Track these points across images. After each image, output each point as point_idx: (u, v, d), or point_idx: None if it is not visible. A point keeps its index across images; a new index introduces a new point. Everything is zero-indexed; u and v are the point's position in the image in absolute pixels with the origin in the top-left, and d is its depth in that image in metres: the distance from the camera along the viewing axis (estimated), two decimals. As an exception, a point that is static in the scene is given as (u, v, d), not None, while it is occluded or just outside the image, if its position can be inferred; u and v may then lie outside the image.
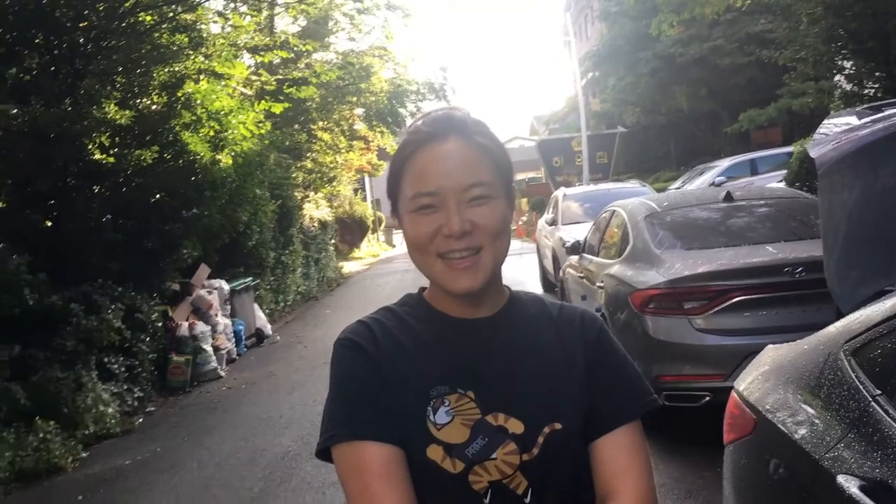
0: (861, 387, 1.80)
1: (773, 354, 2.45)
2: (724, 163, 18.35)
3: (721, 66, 22.22)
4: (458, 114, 1.31)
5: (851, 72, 10.57)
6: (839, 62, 10.68)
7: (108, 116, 7.90)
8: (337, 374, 1.30)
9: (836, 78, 11.29)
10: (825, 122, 3.08)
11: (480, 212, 1.23)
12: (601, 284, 6.19)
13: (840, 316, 2.27)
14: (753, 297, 4.87)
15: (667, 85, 24.42)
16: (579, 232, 9.16)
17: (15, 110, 7.04)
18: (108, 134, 8.17)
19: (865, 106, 3.66)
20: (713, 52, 22.13)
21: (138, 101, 8.61)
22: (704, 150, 25.85)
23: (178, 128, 8.89)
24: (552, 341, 1.33)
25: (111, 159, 8.21)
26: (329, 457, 1.27)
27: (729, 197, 6.14)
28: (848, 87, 10.72)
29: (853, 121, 2.83)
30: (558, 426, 1.25)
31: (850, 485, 1.58)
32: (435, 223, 1.23)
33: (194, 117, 9.08)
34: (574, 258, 7.92)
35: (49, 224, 7.79)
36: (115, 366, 7.98)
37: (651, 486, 1.28)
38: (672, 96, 24.70)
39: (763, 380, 2.32)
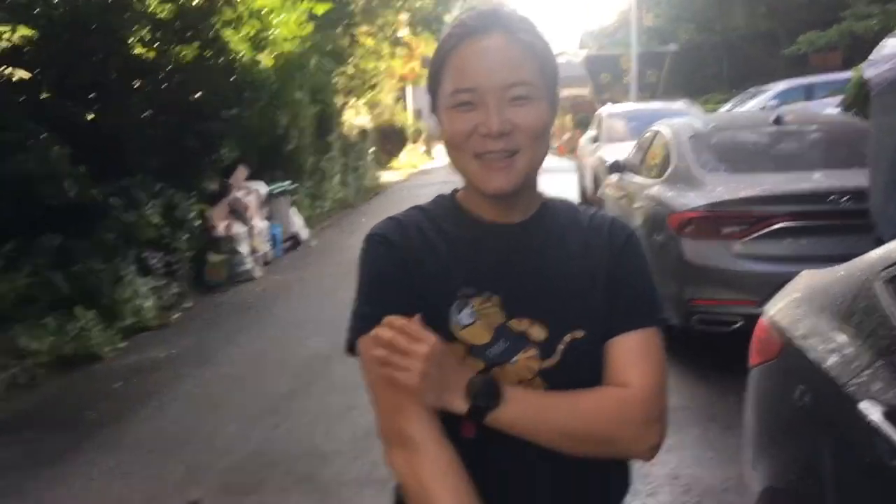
0: (893, 315, 1.74)
1: (807, 280, 2.39)
2: (779, 86, 17.72)
3: (783, -18, 21.24)
4: (504, 9, 1.24)
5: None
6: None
7: (150, 10, 7.85)
8: (365, 268, 1.31)
9: (905, -1, 10.71)
10: (883, 42, 2.92)
11: (521, 112, 1.18)
12: (640, 205, 6.10)
13: (880, 245, 2.19)
14: (795, 224, 4.75)
15: (725, 1, 23.45)
16: (621, 151, 8.98)
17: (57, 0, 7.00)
18: (149, 28, 8.13)
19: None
20: (776, -33, 21.13)
21: (180, -5, 8.50)
22: (758, 72, 24.95)
23: (219, 25, 8.79)
24: (580, 248, 1.31)
25: (152, 54, 8.19)
26: (355, 351, 1.29)
27: (779, 121, 5.93)
28: (917, 9, 10.17)
29: (915, 40, 2.68)
30: (580, 334, 1.24)
31: (873, 411, 1.55)
32: (472, 121, 1.19)
33: (236, 14, 8.97)
34: (614, 177, 7.79)
35: (90, 117, 7.83)
36: (154, 261, 8.15)
37: (661, 386, 1.25)
38: (729, 13, 23.76)
39: (794, 305, 2.27)
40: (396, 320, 1.16)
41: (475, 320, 1.23)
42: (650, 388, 1.23)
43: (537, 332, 1.23)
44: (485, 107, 1.18)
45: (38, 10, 6.81)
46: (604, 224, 1.34)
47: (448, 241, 1.29)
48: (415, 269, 1.26)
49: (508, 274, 1.26)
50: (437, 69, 1.25)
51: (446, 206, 1.36)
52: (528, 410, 1.18)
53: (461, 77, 1.20)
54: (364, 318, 1.25)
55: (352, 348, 1.29)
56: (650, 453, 1.25)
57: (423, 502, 1.16)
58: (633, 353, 1.25)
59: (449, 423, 1.19)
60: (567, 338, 1.23)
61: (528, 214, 1.31)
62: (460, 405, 1.17)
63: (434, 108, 1.29)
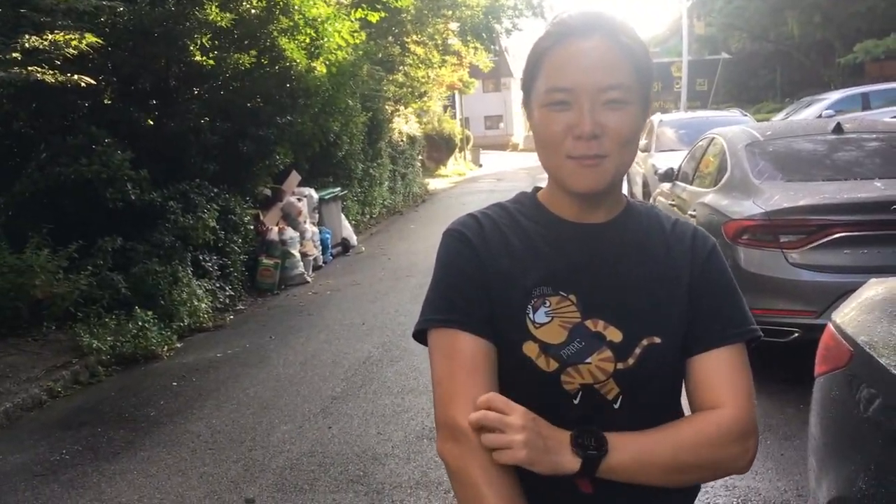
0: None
1: (877, 288, 2.35)
2: (834, 95, 17.39)
3: (839, -9, 20.86)
4: (606, 12, 1.24)
5: None
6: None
7: (209, 18, 8.01)
8: (441, 261, 1.32)
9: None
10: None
11: (614, 116, 1.18)
12: (693, 213, 6.04)
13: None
14: (855, 233, 4.67)
15: (778, 9, 23.14)
16: (673, 159, 8.91)
17: (121, 8, 7.20)
18: (208, 36, 8.31)
19: None
20: (832, -25, 20.78)
21: (238, 4, 8.66)
22: (813, 81, 24.56)
23: (275, 33, 8.95)
24: (661, 255, 1.30)
25: (211, 62, 8.37)
26: (424, 339, 1.30)
27: (838, 128, 5.83)
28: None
29: None
30: (657, 340, 1.23)
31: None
32: (565, 122, 1.19)
33: (291, 23, 9.12)
34: (666, 185, 7.73)
35: (151, 123, 8.04)
36: (209, 264, 8.33)
37: (752, 403, 1.25)
38: (783, 22, 23.42)
39: (864, 312, 2.24)
40: (493, 400, 1.14)
41: (551, 319, 1.23)
42: (744, 406, 1.23)
43: (612, 334, 1.23)
44: (579, 107, 1.18)
45: (103, 18, 7.02)
46: (687, 232, 1.34)
47: (527, 239, 1.30)
48: (491, 266, 1.27)
49: (587, 274, 1.27)
50: (533, 65, 1.25)
51: (527, 203, 1.37)
52: (635, 453, 1.18)
53: (558, 76, 1.20)
54: (436, 310, 1.27)
55: (420, 333, 1.30)
56: (748, 467, 1.26)
57: (470, 495, 1.16)
58: (723, 372, 1.25)
59: (563, 485, 1.18)
60: (644, 342, 1.23)
61: (611, 216, 1.31)
62: (572, 462, 1.15)
63: (526, 104, 1.29)
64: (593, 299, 1.25)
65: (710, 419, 1.23)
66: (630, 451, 1.18)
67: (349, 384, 5.71)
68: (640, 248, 1.30)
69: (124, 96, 7.96)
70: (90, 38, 6.18)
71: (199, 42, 8.17)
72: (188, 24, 7.76)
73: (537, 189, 1.39)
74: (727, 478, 3.72)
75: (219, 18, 8.05)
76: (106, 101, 7.86)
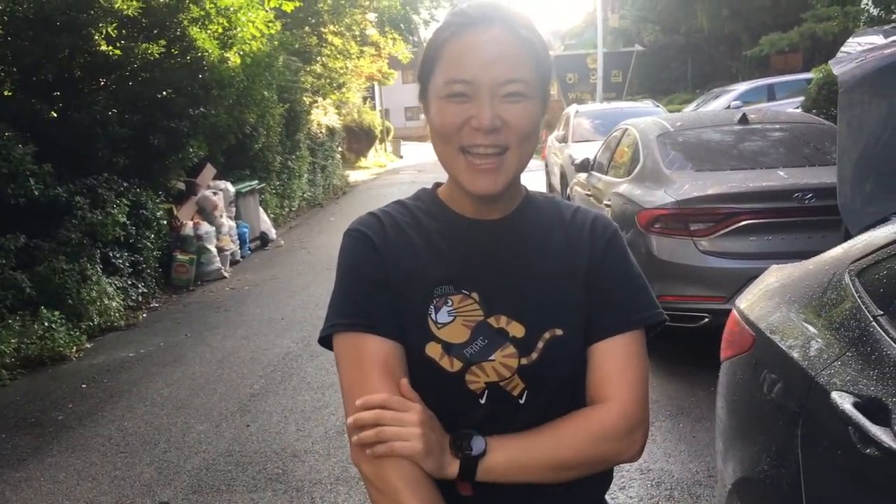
0: (863, 306, 1.79)
1: (776, 274, 2.43)
2: (741, 87, 18.04)
3: (746, -15, 21.57)
4: (505, 3, 1.22)
5: (880, -4, 10.25)
6: (868, -15, 10.34)
7: (115, 6, 7.72)
8: (344, 264, 1.29)
9: (864, 2, 10.95)
10: (849, 40, 3.00)
11: (513, 109, 1.16)
12: (608, 203, 6.16)
13: (847, 240, 2.24)
14: (761, 221, 4.86)
15: (688, 3, 23.80)
16: (589, 150, 9.07)
17: (20, -5, 6.88)
18: (114, 24, 7.99)
19: (892, 26, 3.56)
20: (739, -30, 21.45)
21: (146, -8, 8.38)
22: (722, 73, 25.38)
23: (185, 22, 8.69)
24: (561, 245, 1.29)
25: (118, 52, 8.06)
26: (329, 344, 1.28)
27: (744, 119, 6.04)
28: (875, 11, 10.40)
29: (878, 40, 2.75)
30: (559, 332, 1.23)
31: (844, 401, 1.58)
32: (464, 114, 1.16)
33: (203, 12, 8.87)
34: (582, 176, 7.87)
35: (55, 115, 7.70)
36: (120, 261, 8.06)
37: (642, 394, 1.25)
38: (693, 15, 24.09)
39: (765, 298, 2.31)
40: (372, 398, 1.14)
41: (454, 318, 1.22)
42: (630, 399, 1.23)
43: (515, 330, 1.22)
44: (478, 100, 1.16)
45: (1, 6, 6.68)
46: (586, 220, 1.32)
47: (428, 238, 1.28)
48: (392, 265, 1.25)
49: (488, 271, 1.25)
50: (431, 57, 1.22)
51: (427, 200, 1.34)
52: (514, 453, 1.17)
53: (458, 68, 1.17)
54: (339, 314, 1.24)
55: (325, 339, 1.28)
56: (637, 457, 1.26)
57: (390, 502, 1.13)
58: (614, 364, 1.25)
59: (443, 487, 1.17)
60: (546, 335, 1.22)
61: (509, 210, 1.30)
62: (451, 465, 1.15)
63: (423, 96, 1.26)
64: (495, 296, 1.24)
65: (593, 416, 1.23)
66: (507, 451, 1.17)
67: (268, 381, 5.62)
68: (539, 240, 1.30)
69: (25, 88, 7.60)
70: (-15, 27, 5.88)
71: (104, 31, 7.85)
72: (92, 12, 7.46)
73: (437, 185, 1.37)
74: (641, 461, 3.82)
75: (125, 7, 7.77)
76: (6, 93, 7.50)
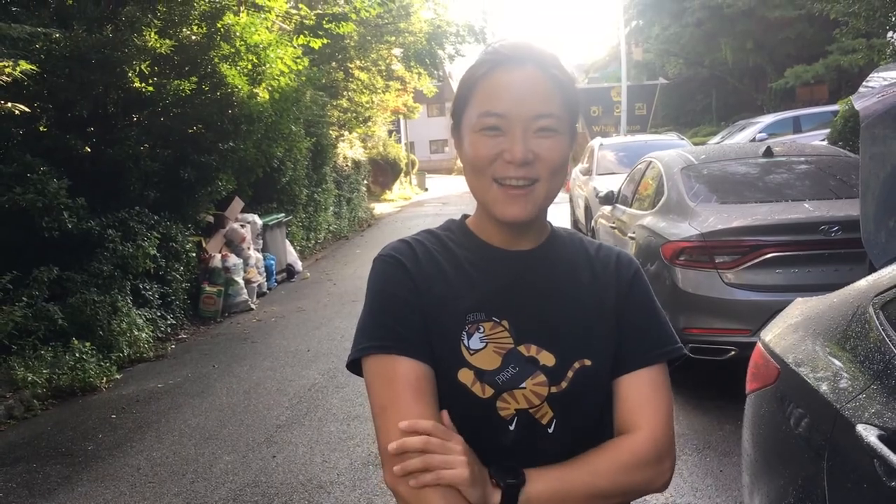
0: (887, 339, 1.80)
1: (801, 307, 2.44)
2: (767, 119, 17.99)
3: (769, 18, 21.60)
4: (536, 44, 1.28)
5: (905, 29, 10.24)
6: (893, 18, 10.32)
7: (149, 45, 7.93)
8: (375, 287, 1.31)
9: (889, 35, 10.96)
10: (872, 75, 3.02)
11: (544, 144, 1.22)
12: (633, 235, 6.17)
13: (872, 272, 2.25)
14: (786, 253, 4.84)
15: (712, 36, 23.85)
16: (613, 182, 9.10)
17: (57, 34, 7.08)
18: (147, 62, 8.21)
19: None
20: (762, 3, 21.50)
21: (178, 30, 8.59)
22: (747, 105, 25.34)
23: (216, 59, 8.89)
24: (588, 279, 1.34)
25: (150, 88, 8.26)
26: (358, 369, 1.29)
27: (769, 152, 6.05)
28: (900, 44, 10.39)
29: (901, 75, 2.77)
30: (588, 362, 1.26)
31: (869, 434, 1.59)
32: (497, 147, 1.22)
33: (233, 50, 9.08)
34: (606, 208, 7.89)
35: (88, 150, 7.88)
36: (150, 292, 8.18)
37: (668, 423, 1.29)
38: (717, 49, 24.14)
39: (790, 331, 2.32)
40: (420, 423, 1.14)
41: (485, 345, 1.24)
42: (658, 429, 1.27)
43: (546, 359, 1.25)
44: (511, 134, 1.21)
45: (38, 44, 6.89)
46: (611, 256, 1.38)
47: (458, 265, 1.31)
48: (424, 291, 1.27)
49: (517, 300, 1.29)
50: (465, 92, 1.28)
51: (457, 230, 1.38)
52: (553, 483, 1.19)
53: (492, 102, 1.23)
54: (370, 337, 1.26)
55: (354, 363, 1.29)
56: (664, 487, 1.29)
57: None
58: (641, 395, 1.29)
59: None
60: (576, 365, 1.26)
61: (538, 242, 1.35)
62: (494, 494, 1.16)
63: (456, 130, 1.32)
64: (525, 325, 1.27)
65: (624, 446, 1.26)
66: (547, 481, 1.19)
67: (294, 412, 5.66)
68: (567, 273, 1.34)
69: (61, 123, 7.80)
70: (25, 66, 6.04)
71: (137, 68, 8.07)
72: (126, 50, 7.66)
73: (465, 217, 1.41)
74: (668, 495, 3.79)
75: (158, 45, 7.97)
76: (42, 129, 7.69)
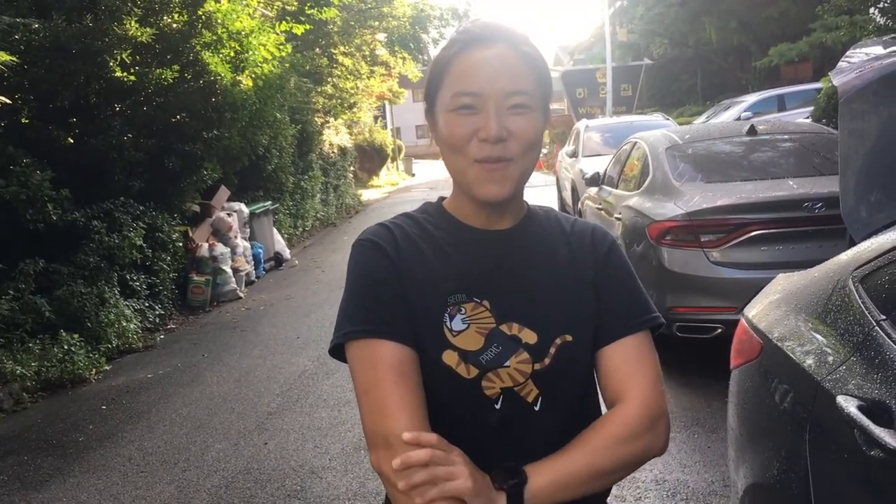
0: (867, 312, 1.82)
1: (783, 282, 2.47)
2: (751, 98, 18.04)
3: (753, -3, 21.60)
4: (507, 23, 1.29)
5: (887, 5, 10.27)
6: (875, -6, 10.36)
7: (129, 33, 7.87)
8: (355, 272, 1.31)
9: (871, 11, 10.97)
10: (852, 50, 3.03)
11: (518, 121, 1.22)
12: (619, 216, 6.20)
13: (852, 247, 2.27)
14: (771, 231, 4.87)
15: (696, 16, 23.82)
16: (600, 164, 9.11)
17: (36, 24, 7.02)
18: (129, 51, 8.14)
19: (892, 35, 3.60)
20: (746, -18, 21.49)
21: (159, 18, 8.52)
22: (732, 84, 25.38)
23: (198, 47, 8.83)
24: (565, 255, 1.35)
25: (132, 77, 8.20)
26: (341, 354, 1.29)
27: (752, 131, 6.07)
28: (882, 21, 10.42)
29: (878, 50, 2.79)
30: (569, 338, 1.28)
31: (849, 404, 1.61)
32: (471, 125, 1.22)
33: (215, 37, 9.01)
34: (593, 190, 7.90)
35: (71, 141, 7.83)
36: (137, 283, 8.16)
37: (658, 387, 1.30)
38: (701, 28, 24.12)
39: (773, 306, 2.34)
40: (424, 437, 1.13)
41: (468, 326, 1.25)
42: (648, 395, 1.28)
43: (528, 337, 1.26)
44: (485, 111, 1.21)
45: (17, 35, 6.82)
46: (586, 231, 1.39)
47: (437, 248, 1.32)
48: (405, 274, 1.27)
49: (497, 279, 1.29)
50: (438, 73, 1.28)
51: (434, 213, 1.39)
52: (554, 474, 1.20)
53: (465, 81, 1.23)
54: (352, 321, 1.26)
55: (337, 348, 1.29)
56: (664, 449, 1.31)
57: (412, 500, 1.12)
58: (627, 363, 1.30)
59: None
60: (557, 341, 1.27)
61: (515, 221, 1.36)
62: (499, 498, 1.16)
63: (430, 112, 1.32)
64: (506, 304, 1.28)
65: (617, 419, 1.27)
66: (548, 472, 1.20)
67: (285, 399, 5.67)
68: (545, 250, 1.35)
69: (42, 115, 7.75)
70: (4, 57, 5.99)
71: (119, 58, 8.00)
72: (107, 39, 7.60)
73: (442, 199, 1.42)
74: (657, 472, 3.83)
75: (139, 34, 7.91)
76: (23, 120, 7.63)
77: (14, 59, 6.23)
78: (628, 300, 1.35)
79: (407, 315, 1.25)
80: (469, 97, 1.22)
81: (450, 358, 1.24)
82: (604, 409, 1.35)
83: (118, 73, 8.08)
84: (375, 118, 29.31)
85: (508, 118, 1.22)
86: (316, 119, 16.41)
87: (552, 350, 1.26)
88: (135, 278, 8.15)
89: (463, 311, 1.26)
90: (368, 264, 1.30)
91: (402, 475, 1.11)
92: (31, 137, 7.39)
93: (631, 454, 1.26)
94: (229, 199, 10.76)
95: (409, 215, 1.40)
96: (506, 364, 1.24)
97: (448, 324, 1.25)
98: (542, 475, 1.19)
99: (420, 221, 1.37)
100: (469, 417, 1.25)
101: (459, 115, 1.23)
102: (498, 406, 1.25)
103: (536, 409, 1.27)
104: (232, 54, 9.35)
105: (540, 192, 14.88)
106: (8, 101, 6.44)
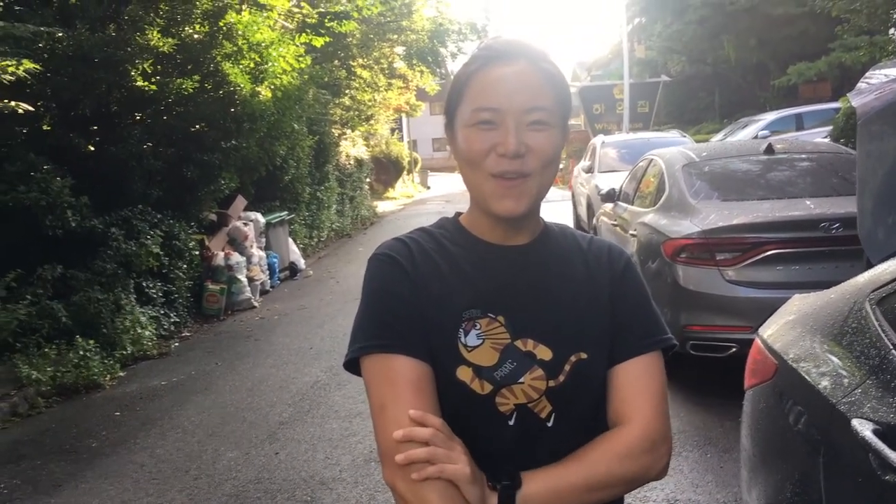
0: (883, 335, 1.81)
1: (799, 303, 2.46)
2: (769, 116, 17.97)
3: (772, 15, 21.54)
4: (527, 40, 1.30)
5: (908, 26, 10.24)
6: (894, 15, 10.32)
7: (151, 43, 7.96)
8: (372, 286, 1.31)
9: (891, 31, 10.94)
10: (869, 72, 3.03)
11: (537, 137, 1.23)
12: (634, 232, 6.18)
13: (869, 269, 2.26)
14: (787, 250, 4.85)
15: (715, 34, 23.78)
16: (616, 180, 9.10)
17: (60, 33, 7.11)
18: (150, 61, 8.24)
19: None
20: (765, 1, 21.43)
21: (181, 29, 8.62)
22: (749, 102, 25.28)
23: (219, 58, 8.92)
24: (581, 273, 1.35)
25: (153, 87, 8.29)
26: (355, 368, 1.30)
27: (770, 149, 6.05)
28: (903, 41, 10.39)
29: (898, 72, 2.79)
30: (584, 356, 1.28)
31: (864, 428, 1.60)
32: (490, 140, 1.23)
33: (235, 48, 9.10)
34: (608, 206, 7.89)
35: (91, 149, 7.91)
36: (153, 290, 8.21)
37: (661, 411, 1.30)
38: (719, 46, 24.08)
39: (788, 327, 2.34)
40: (429, 416, 1.16)
41: (483, 342, 1.25)
42: (651, 417, 1.28)
43: (543, 353, 1.26)
44: (504, 127, 1.22)
45: (42, 43, 6.92)
46: (602, 249, 1.40)
47: (453, 263, 1.32)
48: (421, 289, 1.27)
49: (513, 295, 1.29)
50: (459, 88, 1.29)
51: (450, 228, 1.39)
52: (548, 482, 1.20)
53: (485, 97, 1.24)
54: (368, 336, 1.26)
55: (351, 363, 1.29)
56: (662, 474, 1.30)
57: None
58: (634, 384, 1.30)
59: None
60: (572, 358, 1.27)
61: (532, 237, 1.36)
62: (491, 498, 1.18)
63: (449, 126, 1.32)
64: (521, 320, 1.28)
65: (618, 437, 1.27)
66: (543, 480, 1.20)
67: (297, 409, 5.68)
68: (561, 267, 1.35)
69: (64, 122, 7.82)
70: (28, 65, 6.07)
71: (140, 67, 8.10)
72: (129, 49, 7.70)
73: (459, 214, 1.42)
74: (669, 492, 3.81)
75: (161, 44, 8.00)
76: (45, 128, 7.72)
77: (38, 66, 6.31)
78: (642, 320, 1.35)
79: (423, 330, 1.25)
80: (488, 112, 1.23)
81: (464, 373, 1.24)
82: None
83: (139, 83, 8.18)
84: (392, 130, 29.39)
85: (527, 134, 1.23)
86: (333, 130, 16.50)
87: (567, 367, 1.26)
88: (151, 286, 8.20)
89: (478, 326, 1.26)
90: (385, 279, 1.30)
91: (402, 447, 1.14)
92: (52, 144, 7.47)
93: (629, 471, 1.25)
94: (246, 209, 10.83)
95: (425, 230, 1.40)
96: (520, 380, 1.24)
97: (463, 339, 1.25)
98: (536, 482, 1.20)
99: (436, 236, 1.38)
100: (482, 433, 1.25)
101: (479, 129, 1.24)
102: (512, 422, 1.25)
103: (550, 425, 1.27)
104: (252, 65, 9.44)
105: (555, 208, 14.87)
106: (31, 108, 6.51)
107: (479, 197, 1.30)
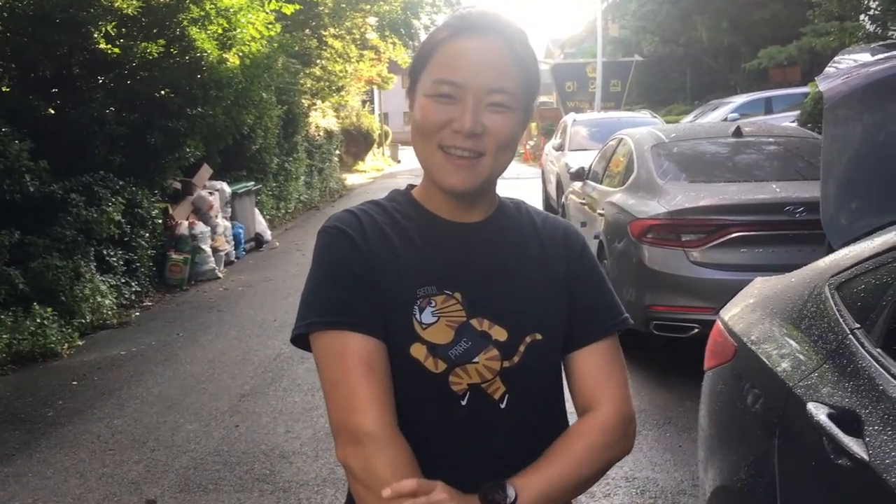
0: (841, 319, 1.82)
1: (760, 286, 2.47)
2: (739, 99, 18.10)
3: (745, -2, 21.61)
4: (504, 15, 1.25)
5: (877, 12, 10.32)
6: (865, 2, 10.40)
7: (115, 5, 7.76)
8: (321, 259, 1.27)
9: (861, 18, 11.02)
10: (839, 56, 3.03)
11: (495, 119, 1.19)
12: (602, 212, 6.19)
13: (830, 253, 2.27)
14: (752, 233, 4.89)
15: (688, 14, 23.81)
16: (586, 158, 9.11)
17: (20, -8, 6.91)
18: (114, 23, 8.03)
19: (880, 43, 3.61)
20: (737, -18, 21.50)
21: (146, -9, 8.42)
22: (720, 85, 25.42)
23: (185, 22, 8.72)
24: (536, 251, 1.33)
25: (117, 50, 8.09)
26: (303, 343, 1.26)
27: (738, 132, 6.08)
28: (871, 28, 10.48)
29: (866, 57, 2.79)
30: (539, 336, 1.25)
31: (819, 412, 1.61)
32: (447, 114, 1.19)
33: (203, 12, 8.90)
34: (577, 184, 7.89)
35: (52, 112, 7.72)
36: (114, 259, 8.06)
37: (628, 395, 1.31)
38: (693, 27, 24.11)
39: (748, 310, 2.34)
40: (402, 486, 1.06)
41: (438, 319, 1.22)
42: (622, 402, 1.29)
43: (498, 334, 1.23)
44: (463, 103, 1.18)
45: (0, 2, 6.71)
46: (558, 229, 1.37)
47: (407, 238, 1.28)
48: (373, 263, 1.23)
49: (469, 273, 1.26)
50: (425, 54, 1.24)
51: (403, 201, 1.34)
52: (543, 486, 1.18)
53: (448, 69, 1.20)
54: (317, 311, 1.22)
55: (299, 337, 1.26)
56: (630, 450, 1.32)
57: (377, 496, 1.09)
58: (599, 368, 1.30)
59: None
60: (527, 339, 1.24)
61: (486, 215, 1.32)
62: None
63: (411, 91, 1.28)
64: (477, 298, 1.25)
65: (594, 426, 1.27)
66: (535, 488, 1.18)
67: (259, 382, 5.63)
68: (516, 246, 1.33)
69: (23, 84, 7.63)
70: (-15, 23, 5.90)
71: (104, 29, 7.89)
72: (92, 10, 7.49)
73: (411, 186, 1.38)
74: (627, 469, 3.84)
75: (125, 5, 7.80)
76: (4, 89, 7.52)
77: (-5, 25, 6.13)
78: (602, 302, 1.34)
79: (375, 305, 1.21)
80: (449, 86, 1.19)
81: (418, 351, 1.21)
82: (570, 408, 1.33)
83: (102, 45, 7.97)
84: (363, 102, 29.13)
85: (486, 114, 1.19)
86: (303, 101, 16.28)
87: (521, 348, 1.24)
88: (112, 254, 8.05)
89: (433, 303, 1.22)
90: (336, 253, 1.26)
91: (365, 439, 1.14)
92: (10, 107, 7.27)
93: (610, 458, 1.28)
94: (211, 178, 10.66)
95: (376, 202, 1.36)
96: (475, 360, 1.22)
97: (418, 316, 1.21)
98: (531, 489, 1.17)
99: (388, 209, 1.33)
100: (435, 412, 1.22)
101: (437, 101, 1.20)
102: (464, 402, 1.22)
103: (502, 406, 1.24)
104: (219, 31, 9.24)
105: (526, 185, 14.88)
106: (-12, 68, 6.33)
107: (427, 168, 1.27)
